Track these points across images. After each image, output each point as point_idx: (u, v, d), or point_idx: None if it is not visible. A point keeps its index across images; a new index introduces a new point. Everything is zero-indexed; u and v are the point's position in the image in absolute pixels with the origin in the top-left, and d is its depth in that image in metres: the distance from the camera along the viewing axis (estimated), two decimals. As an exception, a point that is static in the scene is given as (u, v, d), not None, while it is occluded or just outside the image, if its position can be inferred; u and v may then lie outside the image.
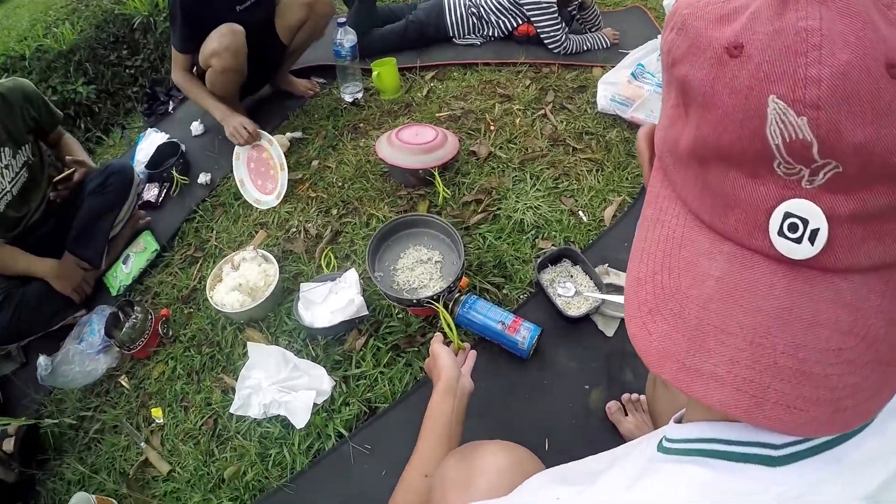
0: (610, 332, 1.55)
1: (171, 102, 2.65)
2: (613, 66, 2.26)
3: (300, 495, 1.37)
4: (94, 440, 1.64)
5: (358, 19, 2.49)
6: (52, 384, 1.74)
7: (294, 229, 1.97)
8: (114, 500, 1.47)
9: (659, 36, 2.29)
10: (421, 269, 1.62)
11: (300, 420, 1.46)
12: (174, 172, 2.20)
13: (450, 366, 1.08)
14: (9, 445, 1.56)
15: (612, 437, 1.34)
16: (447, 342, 1.22)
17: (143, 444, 1.56)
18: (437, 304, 1.44)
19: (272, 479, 1.40)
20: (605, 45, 2.55)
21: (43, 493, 1.58)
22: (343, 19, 2.25)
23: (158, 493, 1.47)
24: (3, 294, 1.82)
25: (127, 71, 2.80)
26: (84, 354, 1.74)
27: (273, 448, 1.45)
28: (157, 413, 1.62)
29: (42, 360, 1.73)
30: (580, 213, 1.83)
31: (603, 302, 1.53)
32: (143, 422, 1.63)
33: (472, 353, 1.23)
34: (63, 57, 2.64)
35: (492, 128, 2.17)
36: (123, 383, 1.73)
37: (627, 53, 2.40)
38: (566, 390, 1.44)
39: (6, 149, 1.79)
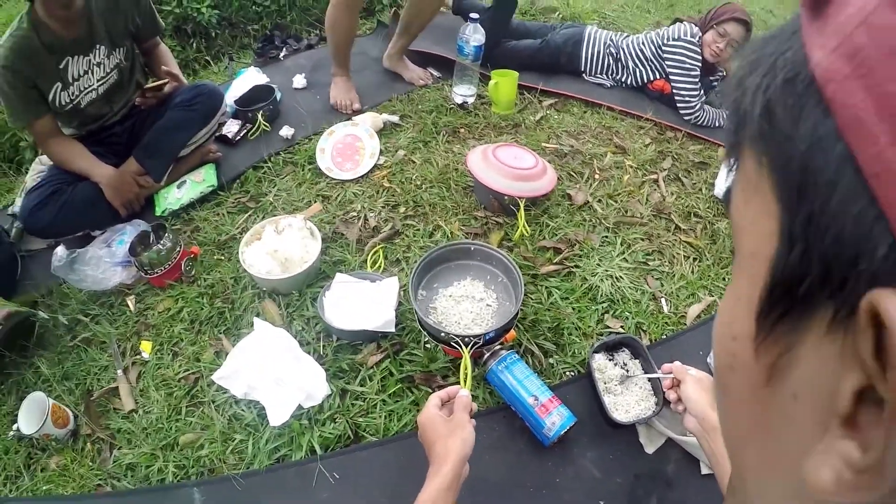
0: (650, 450, 1.28)
1: (284, 49, 2.56)
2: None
3: (246, 494, 1.19)
4: (77, 347, 1.53)
5: (492, 28, 2.30)
6: (63, 277, 1.64)
7: (354, 213, 1.79)
8: (69, 412, 1.35)
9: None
10: (468, 306, 1.39)
11: (278, 417, 1.27)
12: (260, 116, 2.08)
13: (466, 452, 0.87)
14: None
15: None
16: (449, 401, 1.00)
17: (120, 371, 1.44)
18: (462, 346, 1.21)
19: (226, 466, 1.23)
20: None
21: (7, 380, 1.48)
22: (476, 15, 2.06)
23: (113, 426, 1.35)
24: (52, 188, 1.74)
25: (254, 7, 2.74)
26: (103, 261, 1.63)
27: (239, 433, 1.28)
28: (146, 347, 1.49)
29: (59, 250, 1.63)
30: (663, 300, 1.55)
31: (655, 414, 1.25)
32: (130, 350, 1.50)
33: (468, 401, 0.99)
34: (196, -28, 2.61)
35: (597, 176, 1.92)
36: (129, 304, 1.61)
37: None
38: (578, 498, 1.20)
39: (102, 47, 1.73)
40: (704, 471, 1.26)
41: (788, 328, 0.21)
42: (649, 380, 1.34)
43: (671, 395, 1.10)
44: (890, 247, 0.17)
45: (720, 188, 1.87)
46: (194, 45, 2.62)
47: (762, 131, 0.21)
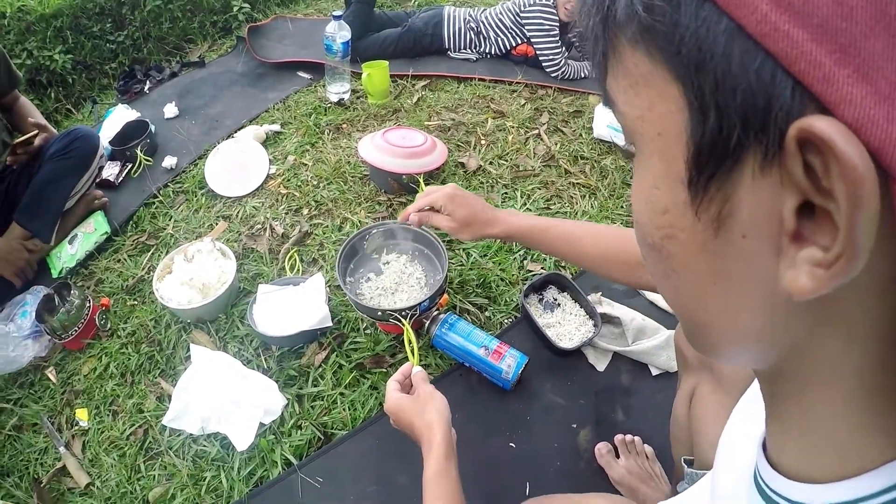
0: (601, 367, 1.38)
1: (147, 82, 2.38)
2: (610, 95, 2.12)
3: (235, 529, 1.12)
4: (8, 437, 1.36)
5: (355, 22, 2.29)
6: (-28, 368, 1.44)
7: (259, 226, 1.73)
8: None
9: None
10: (397, 282, 1.40)
11: (243, 441, 1.21)
12: (139, 152, 1.94)
13: (446, 419, 0.85)
14: None
15: (601, 483, 1.16)
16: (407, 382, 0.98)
17: (62, 448, 1.29)
18: (402, 320, 1.22)
19: (204, 508, 1.15)
20: (602, 74, 2.41)
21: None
22: (339, 13, 2.04)
23: None
24: None
25: (108, 45, 2.52)
26: (11, 338, 1.45)
27: (208, 470, 1.20)
28: (82, 415, 1.35)
29: None
30: (571, 237, 1.64)
31: (596, 335, 1.34)
32: (65, 423, 1.36)
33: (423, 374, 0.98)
34: (44, 21, 2.35)
35: (483, 142, 1.99)
36: (50, 376, 1.45)
37: (624, 84, 2.28)
38: (551, 429, 1.25)
39: None
40: (654, 372, 1.35)
41: (722, 181, 0.23)
42: (582, 306, 1.43)
43: (412, 218, 1.06)
44: (793, 87, 0.20)
45: (599, 129, 2.00)
46: (52, 94, 2.37)
47: (648, 26, 0.23)
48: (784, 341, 0.26)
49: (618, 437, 1.21)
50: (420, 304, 1.25)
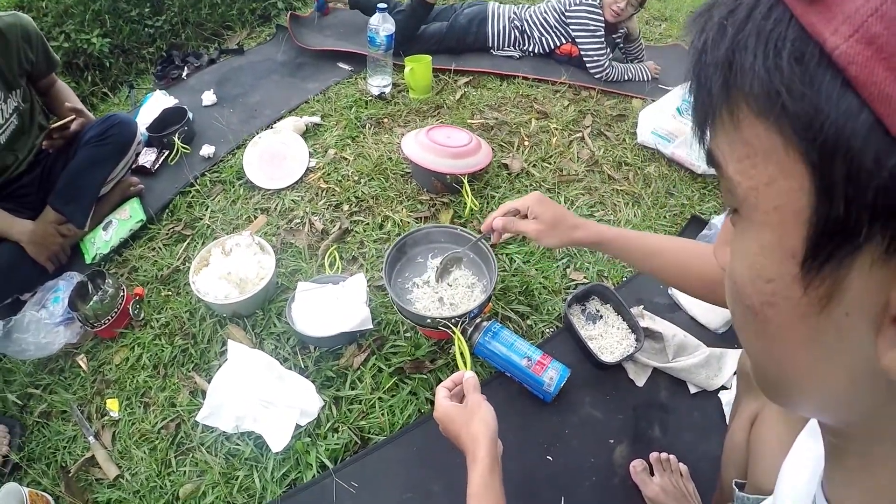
0: (641, 382, 1.33)
1: (185, 68, 2.35)
2: (654, 100, 2.05)
3: (267, 531, 1.08)
4: (37, 424, 1.32)
5: (409, 21, 2.23)
6: (2, 352, 1.42)
7: (298, 220, 1.68)
8: (49, 498, 1.17)
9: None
10: (444, 287, 1.34)
11: (278, 442, 1.17)
12: (176, 139, 1.90)
13: (493, 431, 0.83)
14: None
15: (635, 500, 1.14)
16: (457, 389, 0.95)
17: (91, 438, 1.26)
18: (454, 329, 1.18)
19: (236, 508, 1.11)
20: (646, 78, 2.35)
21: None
22: (384, 5, 1.98)
23: (101, 499, 1.17)
24: None
25: (146, 30, 2.49)
26: (42, 324, 1.42)
27: (241, 470, 1.16)
28: (112, 405, 1.32)
29: None
30: (615, 246, 1.58)
31: (638, 350, 1.28)
32: (95, 412, 1.32)
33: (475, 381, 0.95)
34: (82, 4, 2.33)
35: (526, 143, 1.92)
36: (81, 364, 1.42)
37: (667, 89, 2.21)
38: (588, 443, 1.22)
39: None
40: (693, 390, 1.31)
41: (838, 264, 0.24)
42: (625, 319, 1.37)
43: (497, 223, 1.03)
44: None
45: (644, 135, 1.93)
46: (89, 78, 2.34)
47: (785, 107, 0.23)
48: (861, 407, 0.29)
49: (653, 455, 1.18)
50: (470, 311, 1.20)
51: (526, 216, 1.01)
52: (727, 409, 1.27)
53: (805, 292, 0.26)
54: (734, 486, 0.81)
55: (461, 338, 1.16)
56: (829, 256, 0.24)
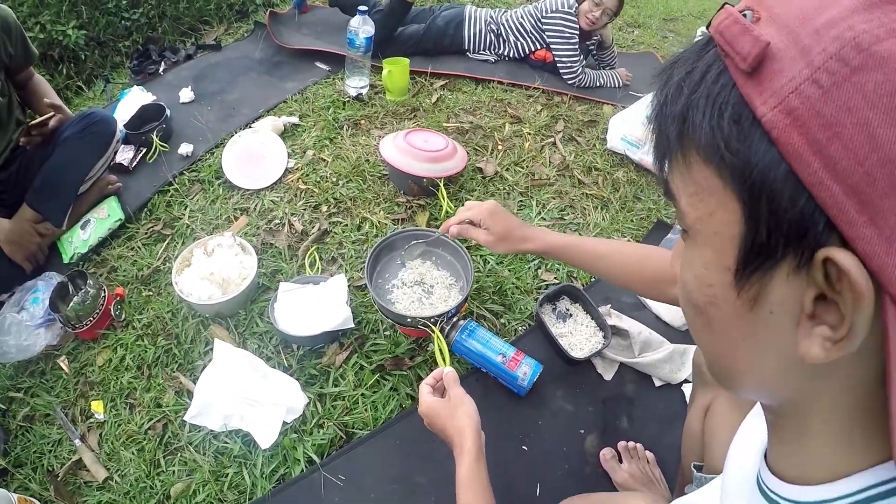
0: (608, 377, 1.42)
1: (162, 63, 2.32)
2: (624, 108, 2.13)
3: (257, 526, 1.12)
4: (20, 428, 1.32)
5: (388, 21, 2.25)
6: (-19, 356, 1.41)
7: (278, 221, 1.71)
8: (38, 503, 1.17)
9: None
10: (418, 288, 1.40)
11: (266, 439, 1.21)
12: (154, 137, 1.89)
13: (476, 422, 0.89)
14: None
15: (606, 486, 1.21)
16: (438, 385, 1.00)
17: (77, 441, 1.27)
18: (433, 328, 1.24)
19: (227, 504, 1.14)
20: (617, 84, 2.43)
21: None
22: (364, 8, 2.01)
23: (90, 501, 1.18)
24: None
25: (123, 22, 2.44)
26: (22, 326, 1.41)
27: (231, 467, 1.20)
28: (97, 407, 1.33)
29: None
30: (584, 248, 1.66)
31: (606, 346, 1.37)
32: (80, 415, 1.33)
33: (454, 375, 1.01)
34: (59, -7, 2.28)
35: (500, 147, 1.99)
36: (63, 366, 1.42)
37: (638, 96, 2.30)
38: (560, 434, 1.29)
39: None
40: (657, 383, 1.40)
41: (762, 275, 0.32)
42: (593, 317, 1.46)
43: (452, 230, 1.14)
44: (825, 222, 0.28)
45: (613, 141, 2.02)
46: (64, 71, 2.29)
47: (724, 158, 0.31)
48: (791, 387, 0.35)
49: (621, 444, 1.26)
50: (448, 311, 1.26)
51: (479, 225, 1.10)
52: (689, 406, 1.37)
53: (738, 295, 0.33)
54: (693, 469, 0.88)
55: (440, 336, 1.22)
56: (756, 269, 0.31)
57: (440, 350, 1.19)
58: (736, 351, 0.37)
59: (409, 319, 1.27)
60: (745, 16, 0.31)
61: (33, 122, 1.63)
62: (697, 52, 0.34)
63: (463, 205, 1.71)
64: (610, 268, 1.00)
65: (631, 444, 1.26)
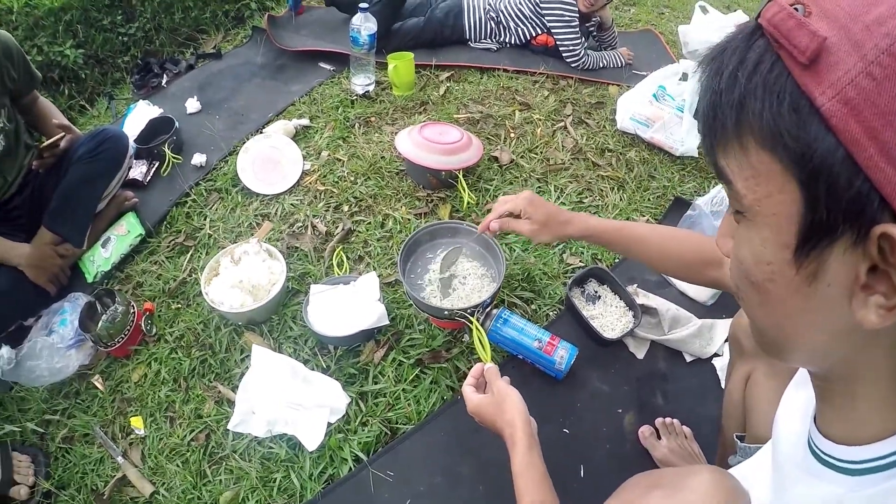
0: (641, 355, 1.41)
1: (164, 76, 2.29)
2: (630, 87, 2.12)
3: (312, 527, 1.12)
4: (61, 450, 1.31)
5: (385, 12, 2.22)
6: (14, 381, 1.40)
7: (300, 224, 1.69)
8: None
9: (680, 60, 2.17)
10: (450, 281, 1.39)
11: (312, 441, 1.20)
12: (166, 150, 1.87)
13: (524, 412, 0.89)
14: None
15: (646, 463, 1.21)
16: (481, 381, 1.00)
17: (119, 458, 1.26)
18: (472, 319, 1.23)
19: (278, 509, 1.14)
20: (620, 64, 2.41)
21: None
22: (365, 5, 1.99)
23: None
24: None
25: (120, 38, 2.41)
26: (53, 348, 1.39)
27: (278, 472, 1.19)
28: (136, 423, 1.32)
29: (5, 351, 1.36)
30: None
31: (637, 325, 1.36)
32: (119, 432, 1.32)
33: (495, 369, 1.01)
34: (53, 15, 2.23)
35: (512, 135, 1.97)
36: (97, 385, 1.41)
37: (641, 74, 2.28)
38: (599, 414, 1.30)
39: None
40: (688, 359, 1.40)
41: (820, 252, 0.33)
42: (622, 297, 1.45)
43: (493, 226, 1.11)
44: (879, 201, 0.30)
45: (623, 121, 2.00)
46: (65, 91, 2.26)
47: (781, 142, 0.32)
48: (841, 354, 0.38)
49: (658, 420, 1.26)
50: (483, 301, 1.25)
51: (519, 216, 1.09)
52: (721, 374, 1.36)
53: (797, 272, 0.35)
54: (736, 440, 0.88)
55: (480, 327, 1.21)
56: (814, 246, 0.33)
57: (479, 342, 1.18)
58: (791, 323, 0.39)
59: (446, 312, 1.26)
60: (796, 10, 0.32)
61: (44, 144, 1.61)
62: (746, 41, 0.35)
63: (483, 195, 1.72)
64: (650, 251, 1.00)
65: (668, 420, 1.26)
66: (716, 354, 1.40)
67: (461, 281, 1.39)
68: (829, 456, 0.43)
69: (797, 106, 0.31)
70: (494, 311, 1.34)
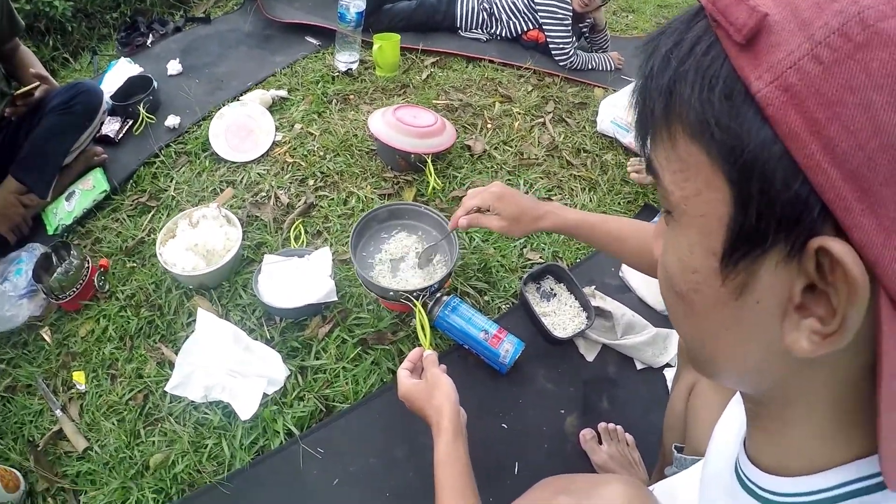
0: (591, 357, 1.40)
1: (150, 35, 2.26)
2: (615, 91, 2.10)
3: (236, 496, 1.12)
4: (2, 399, 1.30)
5: None
6: (-36, 327, 1.39)
7: (264, 194, 1.68)
8: (17, 473, 1.16)
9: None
10: (402, 263, 1.38)
11: (246, 411, 1.20)
12: (141, 109, 1.85)
13: (454, 401, 0.87)
14: None
15: (584, 466, 1.20)
16: (418, 367, 1.00)
17: (58, 411, 1.25)
18: (416, 302, 1.22)
19: (206, 475, 1.14)
20: (610, 68, 2.39)
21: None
22: (356, -19, 1.96)
23: (70, 472, 1.17)
24: None
25: (110, -7, 2.39)
26: (5, 297, 1.39)
27: (210, 438, 1.19)
28: (79, 377, 1.31)
29: None
30: (571, 229, 1.65)
31: (589, 327, 1.36)
32: (61, 385, 1.31)
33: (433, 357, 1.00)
34: (45, -37, 2.21)
35: (489, 126, 1.96)
36: (45, 337, 1.40)
37: (629, 80, 2.27)
38: (541, 413, 1.29)
39: None
40: (639, 366, 1.39)
41: (749, 262, 0.29)
42: (577, 298, 1.45)
43: (461, 223, 1.08)
44: (820, 208, 0.26)
45: (603, 124, 1.99)
46: (50, 42, 2.23)
47: (710, 132, 0.28)
48: (773, 379, 0.34)
49: (601, 425, 1.25)
50: (431, 286, 1.24)
51: (489, 211, 1.04)
52: (671, 386, 1.36)
53: (723, 283, 0.31)
54: (674, 450, 0.87)
55: (422, 311, 1.20)
56: (743, 256, 0.29)
57: (421, 325, 1.18)
58: (718, 340, 0.35)
59: (391, 293, 1.25)
60: None
61: (19, 92, 1.60)
62: (687, 22, 0.31)
63: (450, 182, 1.70)
64: (628, 249, 0.96)
65: (611, 425, 1.25)
66: (668, 365, 1.39)
67: (411, 265, 1.38)
68: (754, 483, 0.39)
69: (730, 92, 0.27)
70: (445, 297, 1.33)
